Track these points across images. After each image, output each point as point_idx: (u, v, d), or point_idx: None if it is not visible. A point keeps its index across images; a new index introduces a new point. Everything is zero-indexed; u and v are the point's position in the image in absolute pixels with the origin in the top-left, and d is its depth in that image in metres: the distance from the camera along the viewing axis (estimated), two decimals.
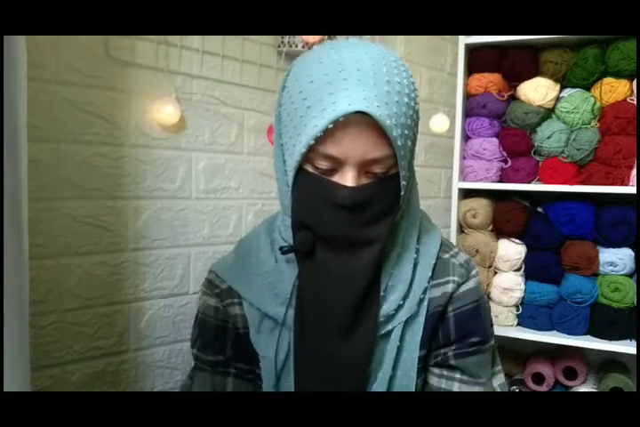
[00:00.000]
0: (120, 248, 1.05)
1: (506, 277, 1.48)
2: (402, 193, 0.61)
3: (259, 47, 1.23)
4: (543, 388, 1.51)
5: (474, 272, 0.70)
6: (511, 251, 1.47)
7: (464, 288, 0.68)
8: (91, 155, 0.99)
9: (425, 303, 0.65)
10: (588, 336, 1.43)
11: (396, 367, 0.64)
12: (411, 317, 0.64)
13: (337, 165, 0.57)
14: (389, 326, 0.64)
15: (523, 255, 1.48)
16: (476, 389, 0.66)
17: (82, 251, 0.99)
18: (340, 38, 1.31)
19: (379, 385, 0.63)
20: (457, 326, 0.67)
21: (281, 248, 0.63)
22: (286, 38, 1.24)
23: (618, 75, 1.37)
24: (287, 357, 0.65)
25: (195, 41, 1.12)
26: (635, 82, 1.35)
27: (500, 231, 1.53)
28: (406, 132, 0.58)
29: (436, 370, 0.68)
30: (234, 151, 1.23)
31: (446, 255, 0.70)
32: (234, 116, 1.22)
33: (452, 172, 1.61)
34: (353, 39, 0.61)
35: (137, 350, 1.09)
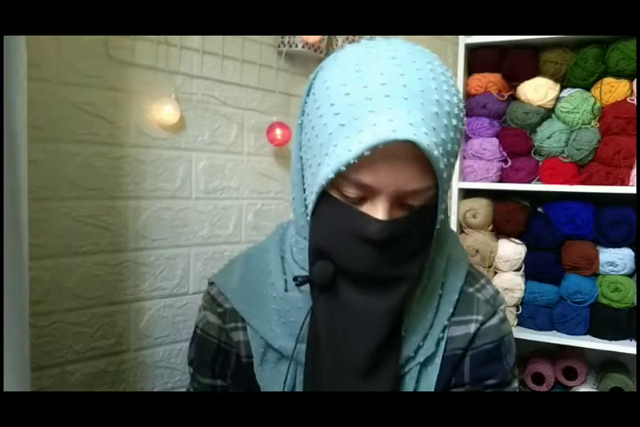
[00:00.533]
0: (120, 248, 1.05)
1: (506, 277, 1.48)
2: (437, 226, 0.54)
3: (259, 47, 1.23)
4: (543, 388, 1.51)
5: (501, 307, 0.63)
6: (511, 251, 1.47)
7: (487, 325, 0.61)
8: (91, 155, 0.99)
9: (443, 342, 0.59)
10: (588, 336, 1.43)
11: None
12: (428, 358, 0.58)
13: (368, 193, 0.50)
14: (406, 369, 0.58)
15: (523, 255, 1.48)
16: None
17: (82, 251, 0.99)
18: (340, 38, 1.31)
19: None
20: (473, 366, 0.60)
21: (295, 278, 0.56)
22: (286, 38, 1.24)
23: (618, 75, 1.37)
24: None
25: (195, 41, 1.12)
26: (635, 82, 1.35)
27: (499, 231, 1.53)
28: (452, 160, 0.51)
29: None
30: (234, 151, 1.23)
31: (471, 289, 0.62)
32: (234, 116, 1.22)
33: None
34: (393, 38, 0.53)
35: (137, 350, 1.09)
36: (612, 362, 1.56)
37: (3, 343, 0.49)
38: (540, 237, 1.45)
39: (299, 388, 0.59)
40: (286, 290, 0.60)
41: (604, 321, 1.39)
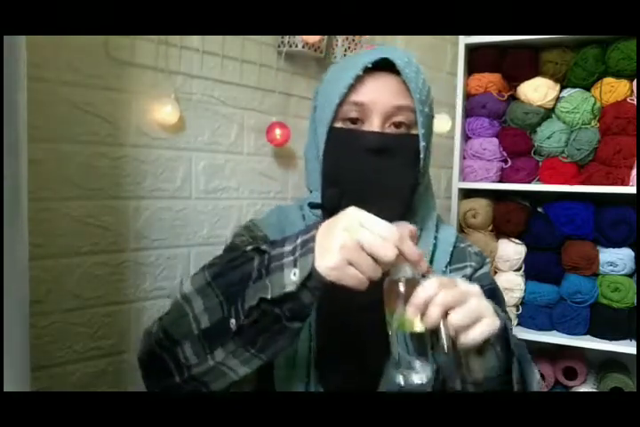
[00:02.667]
0: (120, 248, 1.05)
1: (506, 277, 1.48)
2: (421, 155, 0.67)
3: (259, 47, 1.23)
4: (543, 388, 1.51)
5: (487, 260, 0.77)
6: (511, 251, 1.47)
7: (480, 272, 0.73)
8: (91, 155, 0.99)
9: None
10: (588, 336, 1.43)
11: None
12: None
13: (364, 115, 0.66)
14: None
15: (523, 255, 1.48)
16: None
17: (82, 251, 0.99)
18: (341, 38, 1.31)
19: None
20: None
21: (309, 204, 0.70)
22: (286, 38, 1.24)
23: (618, 75, 1.37)
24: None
25: (195, 41, 1.12)
26: (635, 82, 1.35)
27: (500, 231, 1.53)
28: (424, 97, 0.67)
29: None
30: (234, 151, 1.23)
31: (462, 245, 0.76)
32: (234, 116, 1.22)
33: (451, 172, 1.61)
34: None
35: (137, 350, 1.09)
36: (612, 362, 1.56)
37: (3, 343, 0.49)
38: (540, 237, 1.45)
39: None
40: (312, 208, 0.72)
41: (604, 321, 1.39)
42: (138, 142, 1.06)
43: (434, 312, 0.49)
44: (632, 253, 1.38)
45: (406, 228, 0.53)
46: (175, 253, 1.14)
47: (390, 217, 0.59)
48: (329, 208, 0.66)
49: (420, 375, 0.50)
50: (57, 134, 0.94)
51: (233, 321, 0.54)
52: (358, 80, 0.65)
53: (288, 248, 0.54)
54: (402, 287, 0.51)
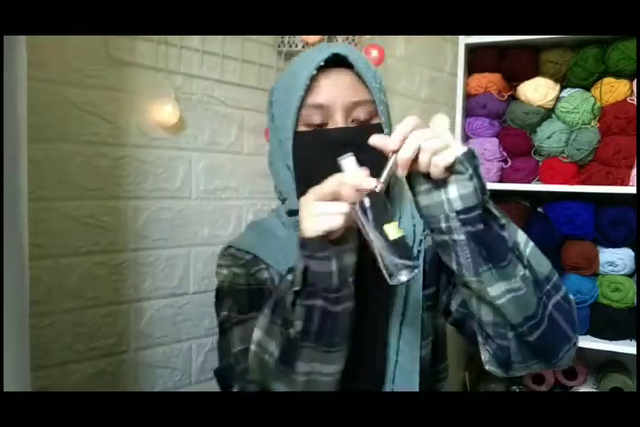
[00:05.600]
0: (120, 248, 1.05)
1: None
2: None
3: (259, 47, 1.23)
4: (543, 388, 1.51)
5: None
6: None
7: None
8: (91, 155, 0.99)
9: (422, 252, 0.73)
10: (588, 336, 1.43)
11: (407, 304, 0.71)
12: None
13: (326, 115, 0.66)
14: None
15: None
16: None
17: (82, 251, 0.99)
18: (340, 38, 1.31)
19: (395, 315, 0.70)
20: None
21: (288, 212, 0.72)
22: (286, 38, 1.24)
23: (618, 75, 1.37)
24: None
25: (195, 41, 1.12)
26: (635, 82, 1.35)
27: None
28: (378, 85, 0.68)
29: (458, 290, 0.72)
30: (234, 151, 1.23)
31: None
32: (234, 116, 1.22)
33: None
34: None
35: (137, 350, 1.09)
36: (612, 362, 1.56)
37: (3, 343, 0.49)
38: (540, 237, 1.45)
39: None
40: (289, 232, 0.74)
41: (604, 321, 1.39)
42: (138, 142, 1.06)
43: (409, 150, 0.53)
44: (632, 253, 1.38)
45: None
46: (175, 253, 1.14)
47: None
48: None
49: (407, 271, 0.54)
50: (57, 134, 0.94)
51: (293, 328, 0.57)
52: (314, 79, 0.65)
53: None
54: (367, 203, 0.54)
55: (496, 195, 1.55)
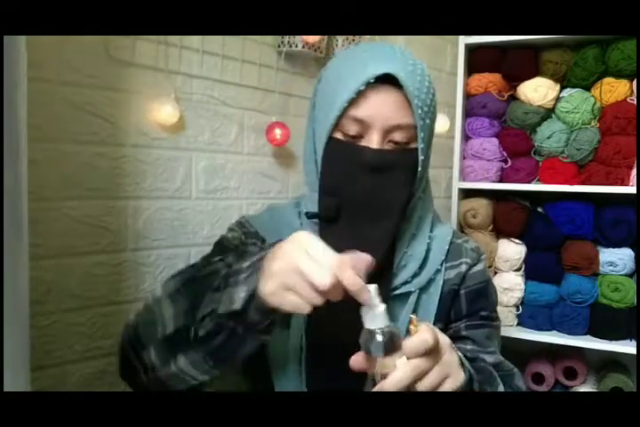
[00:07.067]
0: (120, 248, 1.04)
1: (506, 277, 1.48)
2: (419, 168, 0.67)
3: (259, 47, 1.23)
4: (543, 388, 1.51)
5: (483, 257, 0.79)
6: (511, 251, 1.47)
7: (475, 269, 0.75)
8: (91, 155, 0.99)
9: (439, 282, 0.72)
10: (588, 336, 1.43)
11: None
12: (424, 292, 0.71)
13: (364, 130, 0.64)
14: (403, 290, 0.69)
15: (523, 255, 1.48)
16: (487, 357, 0.72)
17: (82, 251, 0.99)
18: (341, 38, 1.32)
19: None
20: (468, 302, 0.74)
21: (306, 213, 0.69)
22: (286, 38, 1.24)
23: (618, 75, 1.37)
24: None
25: (195, 41, 1.12)
26: (635, 82, 1.35)
27: (500, 231, 1.53)
28: (426, 109, 0.65)
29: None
30: (234, 151, 1.23)
31: (459, 241, 0.78)
32: (234, 116, 1.22)
33: (452, 172, 1.61)
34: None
35: None
36: (612, 362, 1.57)
37: (3, 343, 0.49)
38: (540, 237, 1.45)
39: None
40: (301, 225, 0.73)
41: (604, 321, 1.39)
42: (138, 142, 1.06)
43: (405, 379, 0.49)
44: (632, 253, 1.38)
45: (359, 258, 0.52)
46: (175, 253, 1.14)
47: (386, 227, 0.65)
48: (325, 218, 0.66)
49: None
50: (57, 134, 0.94)
51: (193, 330, 0.55)
52: (360, 93, 0.63)
53: (246, 264, 0.55)
54: (379, 338, 0.49)
55: (496, 195, 1.55)
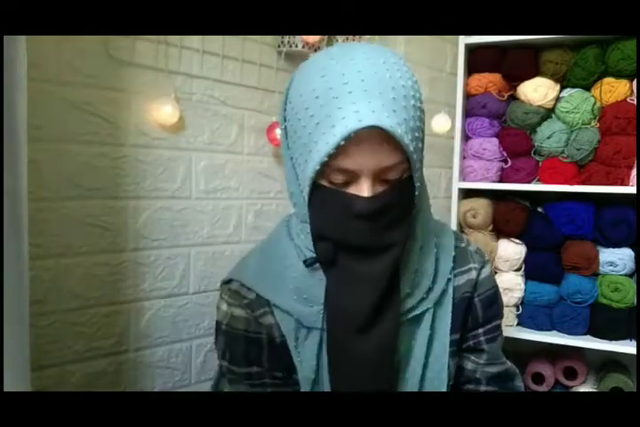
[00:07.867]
0: (120, 248, 1.05)
1: (506, 277, 1.48)
2: (416, 193, 0.62)
3: (259, 47, 1.23)
4: (543, 388, 1.51)
5: (487, 258, 0.78)
6: (511, 251, 1.47)
7: (484, 275, 0.74)
8: (91, 155, 0.99)
9: (450, 292, 0.69)
10: (588, 336, 1.42)
11: (429, 354, 0.68)
12: (438, 305, 0.68)
13: (351, 177, 0.57)
14: (419, 310, 0.67)
15: (523, 255, 1.48)
16: (495, 368, 0.74)
17: (82, 251, 0.99)
18: (341, 38, 1.31)
19: (412, 374, 0.67)
20: (483, 310, 0.74)
21: (304, 261, 0.64)
22: (286, 38, 1.24)
23: (618, 75, 1.37)
24: (322, 361, 0.67)
25: (195, 41, 1.12)
26: (635, 82, 1.35)
27: (500, 231, 1.52)
28: (416, 134, 0.59)
29: (466, 354, 0.75)
30: (234, 151, 1.23)
31: (462, 244, 0.76)
32: (234, 116, 1.22)
33: (451, 172, 1.61)
34: (350, 43, 0.61)
35: (137, 350, 1.09)
36: (612, 362, 1.56)
37: (3, 343, 0.49)
38: (540, 237, 1.45)
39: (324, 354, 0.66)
40: (307, 266, 0.66)
41: (604, 321, 1.39)
42: (138, 142, 1.06)
43: None
44: (632, 253, 1.38)
45: None
46: (175, 253, 1.14)
47: (389, 263, 0.61)
48: (324, 261, 0.62)
49: None
50: (57, 134, 0.94)
51: None
52: (340, 146, 0.54)
53: None
54: None
55: (496, 195, 1.55)
